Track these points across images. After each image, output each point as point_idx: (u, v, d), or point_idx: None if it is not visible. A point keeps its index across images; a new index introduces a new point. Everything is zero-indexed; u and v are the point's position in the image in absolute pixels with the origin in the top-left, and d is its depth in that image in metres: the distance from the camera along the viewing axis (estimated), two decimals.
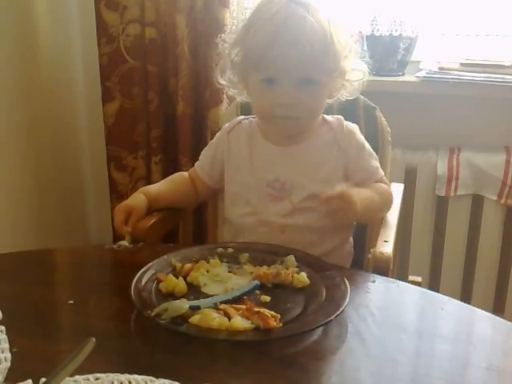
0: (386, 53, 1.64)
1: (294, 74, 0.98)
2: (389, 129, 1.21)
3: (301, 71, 0.98)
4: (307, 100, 1.00)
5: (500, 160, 1.58)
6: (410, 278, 1.21)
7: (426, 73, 1.61)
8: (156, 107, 1.65)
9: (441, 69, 1.61)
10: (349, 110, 1.15)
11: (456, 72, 1.59)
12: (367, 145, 1.09)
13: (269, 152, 1.07)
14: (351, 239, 1.17)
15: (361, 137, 1.09)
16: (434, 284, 1.66)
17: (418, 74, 1.62)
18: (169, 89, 1.64)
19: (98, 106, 1.69)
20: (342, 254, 1.11)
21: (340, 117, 1.11)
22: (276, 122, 1.03)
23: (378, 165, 1.09)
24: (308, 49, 0.95)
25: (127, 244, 0.97)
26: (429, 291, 0.86)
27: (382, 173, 1.10)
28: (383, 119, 1.21)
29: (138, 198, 1.07)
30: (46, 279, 0.88)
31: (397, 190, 1.22)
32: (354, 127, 1.10)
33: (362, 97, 1.20)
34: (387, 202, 1.08)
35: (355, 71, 1.05)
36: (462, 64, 1.62)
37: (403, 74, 1.67)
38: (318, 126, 1.08)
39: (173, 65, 1.60)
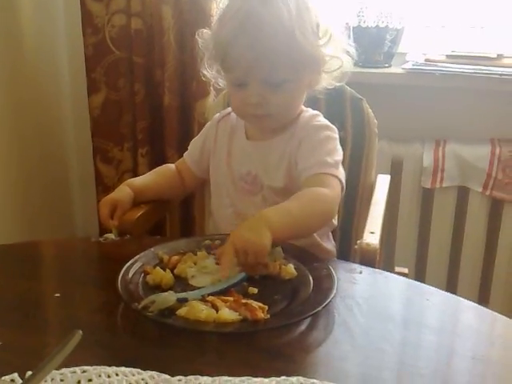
0: (373, 44, 1.64)
1: (257, 75, 0.95)
2: (375, 120, 1.22)
3: (263, 72, 0.94)
4: (276, 98, 0.97)
5: (485, 152, 1.59)
6: (397, 269, 1.23)
7: (413, 64, 1.61)
8: (142, 99, 1.63)
9: (427, 60, 1.62)
10: (335, 101, 1.15)
11: (442, 64, 1.60)
12: (327, 140, 1.01)
13: (244, 145, 1.07)
14: (330, 236, 1.15)
15: (323, 133, 1.01)
16: (419, 275, 1.68)
17: (404, 66, 1.62)
18: (155, 80, 1.63)
19: (84, 98, 1.67)
20: (320, 251, 1.05)
21: (316, 112, 1.06)
22: (249, 119, 1.04)
23: (333, 162, 0.98)
24: (267, 50, 0.91)
25: (114, 237, 0.97)
26: (415, 282, 0.87)
27: (335, 171, 0.97)
28: (370, 111, 1.21)
29: (124, 191, 1.06)
30: (31, 272, 0.88)
31: (383, 181, 1.22)
32: (321, 124, 1.03)
33: (348, 88, 1.20)
34: (321, 211, 0.93)
35: (334, 59, 1.01)
36: (448, 56, 1.63)
37: (389, 66, 1.68)
38: (292, 121, 1.04)
39: (159, 56, 1.59)
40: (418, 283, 0.86)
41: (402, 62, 1.65)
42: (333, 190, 0.94)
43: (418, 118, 1.69)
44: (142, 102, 1.64)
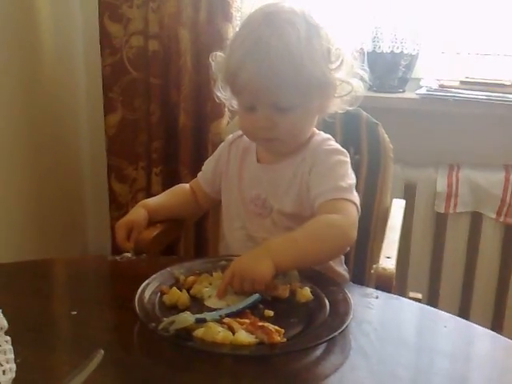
0: (387, 69, 1.65)
1: (265, 100, 0.95)
2: (391, 145, 1.22)
3: (270, 97, 0.94)
4: (284, 122, 0.96)
5: (499, 178, 1.58)
6: (411, 294, 1.21)
7: (427, 90, 1.62)
8: (158, 119, 1.65)
9: (441, 86, 1.62)
10: (351, 125, 1.16)
11: (456, 90, 1.60)
12: (339, 164, 1.00)
13: (254, 168, 1.08)
14: (343, 260, 1.14)
15: (334, 157, 1.00)
16: (432, 300, 1.66)
17: (418, 91, 1.62)
18: (171, 101, 1.64)
19: (100, 117, 1.69)
20: (331, 275, 1.00)
21: (327, 136, 1.05)
22: (259, 142, 1.05)
23: (347, 186, 0.97)
24: (274, 76, 0.91)
25: (130, 255, 0.97)
26: (431, 308, 0.86)
27: (349, 195, 0.96)
28: (385, 136, 1.21)
29: (139, 213, 1.07)
30: (47, 290, 0.88)
31: (398, 205, 1.22)
32: (333, 148, 1.02)
33: (364, 113, 1.20)
34: (334, 237, 0.91)
35: (345, 84, 1.00)
36: (462, 82, 1.64)
37: (404, 91, 1.68)
38: (303, 145, 1.03)
39: (175, 77, 1.61)
40: (434, 309, 0.86)
41: (417, 87, 1.65)
42: (348, 215, 0.93)
43: (431, 143, 1.68)
44: (157, 122, 1.65)
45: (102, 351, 0.53)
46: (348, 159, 1.02)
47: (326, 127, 1.08)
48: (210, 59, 1.05)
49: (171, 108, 1.65)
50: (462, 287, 1.65)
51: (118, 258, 0.96)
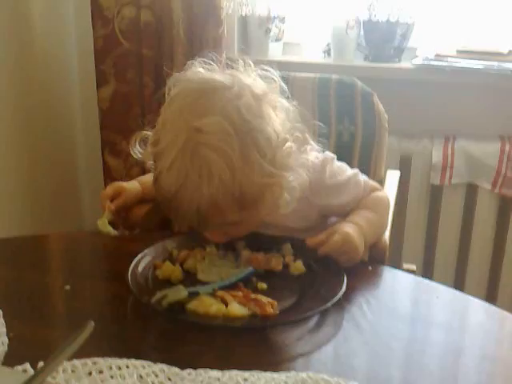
0: (383, 39, 1.63)
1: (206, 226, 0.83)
2: (386, 115, 1.21)
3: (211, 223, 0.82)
4: (237, 231, 0.86)
5: (495, 149, 1.58)
6: (405, 265, 1.22)
7: (423, 60, 1.60)
8: (151, 92, 1.63)
9: (437, 56, 1.61)
10: (346, 95, 1.14)
11: (452, 59, 1.58)
12: (339, 176, 0.95)
13: None
14: None
15: (330, 182, 0.94)
16: (427, 272, 1.67)
17: (414, 61, 1.61)
18: (163, 73, 1.62)
19: (93, 91, 1.67)
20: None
21: (304, 182, 0.87)
22: None
23: (357, 178, 0.96)
24: (203, 213, 0.78)
25: (110, 229, 0.95)
26: (424, 280, 0.87)
27: (363, 181, 0.96)
28: (380, 106, 1.20)
29: (133, 184, 1.06)
30: (42, 264, 0.88)
31: (393, 177, 1.22)
32: (320, 181, 0.93)
33: (359, 82, 1.19)
34: (387, 211, 0.98)
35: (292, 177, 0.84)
36: (458, 51, 1.62)
37: (400, 61, 1.66)
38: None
39: (168, 48, 1.58)
40: (428, 281, 0.86)
41: (413, 57, 1.64)
42: (376, 186, 0.97)
43: (427, 114, 1.67)
44: (150, 94, 1.63)
45: (93, 323, 0.53)
46: (334, 160, 0.97)
47: (321, 98, 1.07)
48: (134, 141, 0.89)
49: (165, 80, 1.62)
50: (457, 259, 1.66)
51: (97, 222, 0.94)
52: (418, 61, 1.60)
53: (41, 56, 1.63)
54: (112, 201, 0.99)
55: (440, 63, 1.58)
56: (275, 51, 1.74)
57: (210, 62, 0.86)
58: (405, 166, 1.60)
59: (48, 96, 1.68)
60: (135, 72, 1.64)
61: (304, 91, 1.18)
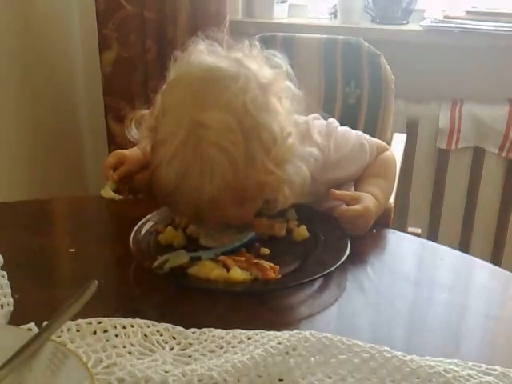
0: (391, 0, 1.60)
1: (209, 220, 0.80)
2: (393, 77, 1.19)
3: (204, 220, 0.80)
4: (231, 222, 0.82)
5: (503, 113, 1.56)
6: (410, 229, 1.22)
7: (431, 21, 1.57)
8: (154, 56, 1.61)
9: (446, 17, 1.58)
10: (352, 56, 1.12)
11: (461, 21, 1.56)
12: (343, 148, 0.92)
13: None
14: None
15: (335, 156, 0.90)
16: (432, 236, 1.68)
17: (422, 23, 1.58)
18: (167, 37, 1.60)
19: (96, 56, 1.66)
20: None
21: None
22: None
23: (361, 142, 0.93)
24: (203, 210, 0.76)
25: (114, 194, 0.95)
26: (428, 242, 0.86)
27: (368, 144, 0.94)
28: (387, 67, 1.18)
29: (135, 151, 1.05)
30: (46, 228, 0.88)
31: (399, 140, 1.20)
32: (325, 157, 0.88)
33: (365, 43, 1.16)
34: (395, 174, 0.97)
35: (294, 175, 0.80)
36: (468, 12, 1.59)
37: (407, 23, 1.64)
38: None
39: (171, 12, 1.56)
40: (432, 243, 0.86)
41: (421, 18, 1.61)
42: (383, 146, 0.96)
43: (434, 77, 1.65)
44: (153, 59, 1.62)
45: (96, 282, 0.54)
46: (337, 126, 0.94)
47: (326, 60, 1.05)
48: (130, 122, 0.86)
49: (167, 44, 1.61)
50: (463, 223, 1.67)
51: (101, 192, 0.95)
52: (426, 22, 1.58)
53: (42, 20, 1.61)
54: (115, 170, 0.99)
55: (448, 25, 1.55)
56: (280, 13, 1.71)
57: (214, 42, 0.82)
58: (412, 130, 1.59)
59: (50, 62, 1.66)
60: (138, 36, 1.63)
61: (309, 53, 1.16)
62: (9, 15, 1.47)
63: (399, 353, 0.56)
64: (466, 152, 1.60)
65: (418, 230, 1.20)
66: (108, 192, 0.95)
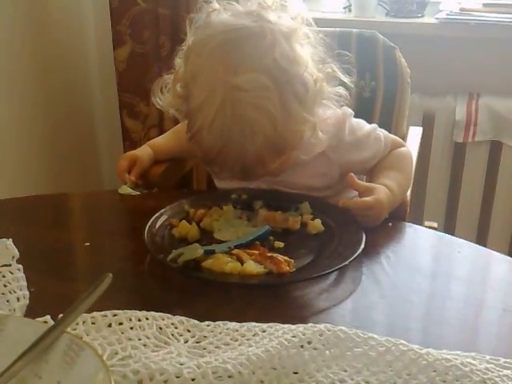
0: None
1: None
2: (408, 70, 1.17)
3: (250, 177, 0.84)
4: (272, 174, 0.86)
5: None
6: (426, 223, 1.21)
7: (447, 14, 1.56)
8: (168, 52, 1.61)
9: (462, 10, 1.56)
10: (367, 49, 1.11)
11: (478, 13, 1.54)
12: (358, 132, 0.93)
13: None
14: None
15: (349, 138, 0.92)
16: (449, 230, 1.66)
17: (437, 16, 1.57)
18: (181, 32, 1.59)
19: (110, 52, 1.66)
20: None
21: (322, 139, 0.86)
22: None
23: (376, 132, 0.94)
24: (248, 167, 0.79)
25: (131, 190, 0.96)
26: (445, 235, 0.85)
27: (384, 136, 0.94)
28: (403, 60, 1.16)
29: (144, 150, 1.06)
30: (61, 222, 0.89)
31: (415, 133, 1.19)
32: (339, 137, 0.91)
33: (381, 36, 1.15)
34: (411, 169, 0.96)
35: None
36: (484, 4, 1.57)
37: (422, 16, 1.63)
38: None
39: (185, 6, 1.55)
40: (449, 236, 0.85)
41: (436, 11, 1.60)
42: (400, 142, 0.95)
43: (451, 70, 1.64)
44: (167, 55, 1.61)
45: (111, 275, 0.54)
46: (352, 116, 0.95)
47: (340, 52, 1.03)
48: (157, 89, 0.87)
49: (182, 40, 1.60)
50: (479, 217, 1.65)
51: (119, 190, 0.96)
52: (442, 15, 1.57)
53: (56, 17, 1.62)
54: (129, 172, 1.00)
55: (465, 17, 1.54)
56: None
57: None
58: (428, 123, 1.58)
59: (64, 59, 1.67)
60: (152, 32, 1.62)
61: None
62: (23, 12, 1.48)
63: (415, 346, 0.55)
64: (482, 145, 1.59)
65: (435, 224, 1.18)
66: (125, 189, 0.97)
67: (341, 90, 0.87)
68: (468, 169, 1.61)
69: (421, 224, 1.11)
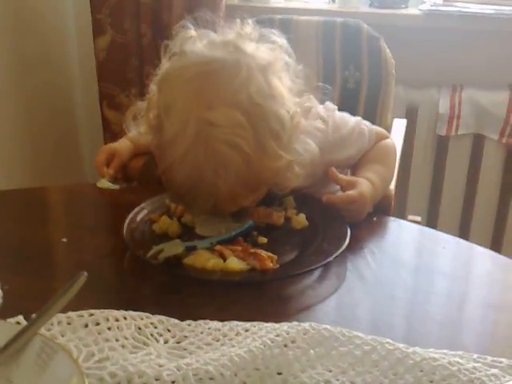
0: None
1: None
2: (393, 61, 1.16)
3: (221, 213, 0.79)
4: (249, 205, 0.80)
5: (503, 98, 1.54)
6: (409, 217, 1.20)
7: (430, 5, 1.56)
8: (149, 41, 1.58)
9: (446, 1, 1.55)
10: (351, 39, 1.09)
11: (462, 4, 1.53)
12: (342, 129, 0.90)
13: None
14: None
15: (333, 137, 0.89)
16: (432, 224, 1.66)
17: (421, 7, 1.56)
18: (162, 22, 1.57)
19: (90, 42, 1.62)
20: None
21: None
22: None
23: (360, 127, 0.92)
24: (219, 204, 0.75)
25: (110, 184, 0.94)
26: (430, 229, 0.85)
27: (368, 129, 0.92)
28: (387, 50, 1.15)
29: (123, 142, 1.03)
30: (38, 217, 0.86)
31: (399, 125, 1.18)
32: (323, 137, 0.88)
33: (365, 25, 1.13)
34: (394, 162, 0.95)
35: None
36: None
37: (406, 7, 1.62)
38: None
39: None
40: (433, 230, 0.84)
41: (420, 2, 1.59)
42: (384, 134, 0.94)
43: (434, 63, 1.62)
44: (148, 44, 1.58)
45: (86, 273, 0.52)
46: (335, 110, 0.93)
47: (325, 43, 1.02)
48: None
49: (163, 29, 1.58)
50: (462, 210, 1.65)
51: (97, 184, 0.94)
52: (426, 6, 1.56)
53: (36, 5, 1.58)
54: (108, 165, 0.97)
55: (449, 8, 1.53)
56: None
57: (204, 24, 0.79)
58: (411, 116, 1.58)
59: (45, 47, 1.64)
60: (132, 21, 1.59)
61: (307, 35, 1.13)
62: (2, 1, 1.44)
63: (402, 345, 0.54)
64: (466, 138, 1.59)
65: (418, 218, 1.18)
66: (103, 183, 0.95)
67: (319, 123, 0.85)
68: (451, 162, 1.61)
69: (404, 218, 1.11)
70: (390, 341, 0.54)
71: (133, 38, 1.60)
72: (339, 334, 0.55)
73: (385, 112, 1.18)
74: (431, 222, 1.67)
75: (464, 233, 1.67)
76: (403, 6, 1.62)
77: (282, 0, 1.70)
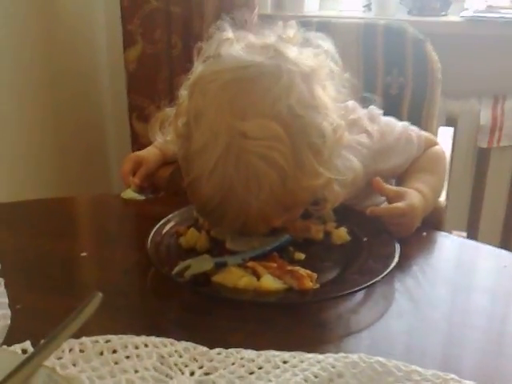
0: None
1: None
2: (439, 65, 1.10)
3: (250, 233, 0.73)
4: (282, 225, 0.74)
5: None
6: (454, 232, 1.13)
7: (473, 12, 1.51)
8: (180, 52, 1.57)
9: (489, 7, 1.51)
10: (395, 42, 1.04)
11: (506, 10, 1.48)
12: (387, 137, 0.84)
13: None
14: None
15: (378, 145, 0.83)
16: (472, 239, 1.59)
17: (463, 14, 1.52)
18: (193, 31, 1.55)
19: (120, 53, 1.62)
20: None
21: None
22: None
23: (408, 134, 0.86)
24: (249, 223, 0.69)
25: (135, 196, 0.90)
26: (487, 246, 0.77)
27: (416, 136, 0.87)
28: (433, 54, 1.10)
29: (151, 150, 0.99)
30: (57, 230, 0.82)
31: (445, 134, 1.12)
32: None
33: (410, 28, 1.08)
34: (445, 171, 0.90)
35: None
36: None
37: (447, 14, 1.58)
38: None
39: (197, 5, 1.51)
40: (491, 247, 0.77)
41: (461, 9, 1.55)
42: (433, 140, 0.90)
43: (476, 72, 1.57)
44: (179, 55, 1.57)
45: (101, 294, 0.46)
46: (380, 115, 0.87)
47: (366, 47, 0.96)
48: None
49: (194, 39, 1.55)
50: (503, 225, 1.61)
51: (122, 195, 0.90)
52: (468, 13, 1.51)
53: (66, 20, 1.58)
54: (134, 174, 0.93)
55: (492, 15, 1.48)
56: (311, 6, 1.66)
57: (243, 25, 0.73)
58: (450, 127, 1.51)
59: (74, 60, 1.64)
60: (163, 31, 1.58)
61: (347, 39, 1.08)
62: (33, 12, 1.44)
63: (468, 382, 0.46)
64: (508, 151, 1.55)
65: (464, 234, 1.11)
66: (129, 193, 0.91)
67: (364, 137, 0.79)
68: (492, 175, 1.58)
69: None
70: (456, 377, 0.47)
71: (163, 48, 1.60)
72: (394, 368, 0.47)
73: (430, 119, 1.12)
74: (471, 237, 1.61)
75: (505, 248, 1.59)
76: (443, 13, 1.57)
77: (316, 9, 1.66)
